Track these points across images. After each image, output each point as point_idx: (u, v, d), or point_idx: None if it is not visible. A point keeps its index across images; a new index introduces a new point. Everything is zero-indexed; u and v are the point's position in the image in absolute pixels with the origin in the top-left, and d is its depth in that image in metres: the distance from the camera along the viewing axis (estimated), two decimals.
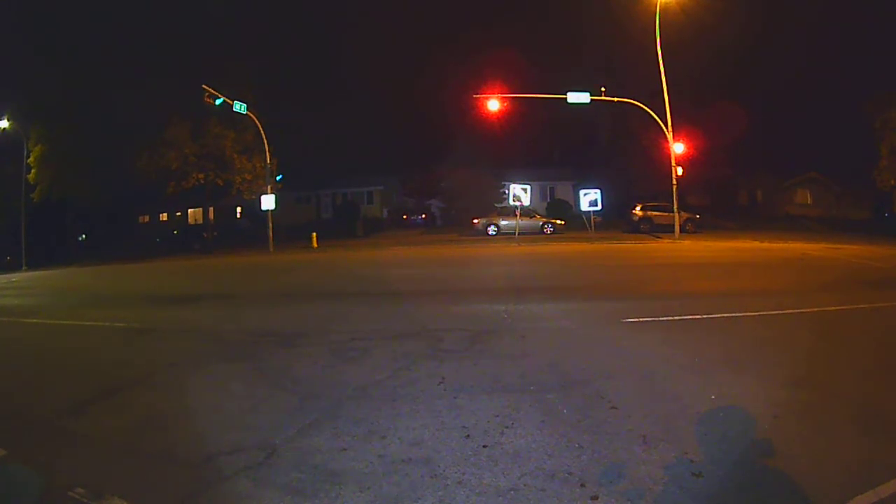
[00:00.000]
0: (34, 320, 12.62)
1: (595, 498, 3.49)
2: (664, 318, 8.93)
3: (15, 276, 30.20)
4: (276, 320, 10.60)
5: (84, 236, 53.76)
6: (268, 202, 34.07)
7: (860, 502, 3.43)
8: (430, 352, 7.25)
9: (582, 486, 3.65)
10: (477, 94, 31.41)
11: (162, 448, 4.74)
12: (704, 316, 9.07)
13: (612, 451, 4.14)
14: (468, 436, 4.51)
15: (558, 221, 34.99)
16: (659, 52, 28.83)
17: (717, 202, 48.98)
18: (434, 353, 7.20)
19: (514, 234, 30.85)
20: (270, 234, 33.81)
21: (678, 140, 29.78)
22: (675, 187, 28.82)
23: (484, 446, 4.31)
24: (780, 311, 9.41)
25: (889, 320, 9.01)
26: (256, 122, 33.85)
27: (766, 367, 6.19)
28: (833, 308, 9.73)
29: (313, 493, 3.71)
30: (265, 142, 34.51)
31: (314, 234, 34.76)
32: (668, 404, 5.07)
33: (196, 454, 4.47)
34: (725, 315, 9.13)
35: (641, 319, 8.86)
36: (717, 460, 3.94)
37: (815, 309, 9.61)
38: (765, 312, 9.31)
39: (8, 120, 38.18)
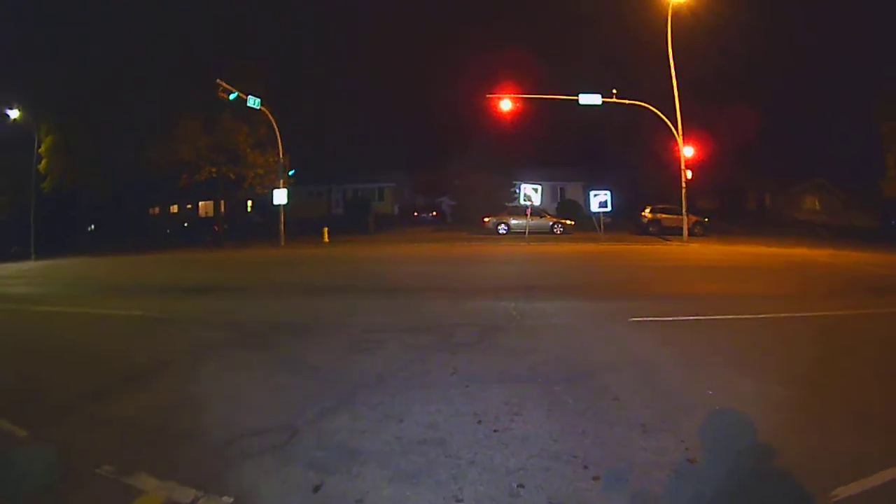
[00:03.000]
0: (51, 308, 12.85)
1: (596, 478, 3.76)
2: (668, 318, 9.18)
3: (26, 266, 30.48)
4: (292, 312, 10.88)
5: (93, 227, 54.03)
6: (280, 197, 34.38)
7: (846, 492, 3.62)
8: (442, 345, 7.53)
9: (585, 467, 3.92)
10: (489, 94, 31.78)
11: (187, 430, 4.93)
12: (708, 317, 9.30)
13: (613, 438, 4.42)
14: (480, 421, 4.80)
15: (568, 222, 35.12)
16: (670, 56, 29.09)
17: (726, 206, 48.96)
18: (446, 346, 7.48)
19: (524, 233, 31.08)
20: (282, 228, 34.10)
21: (688, 143, 29.97)
22: (683, 190, 29.08)
23: (494, 431, 4.59)
24: (783, 315, 9.62)
25: (889, 326, 9.16)
26: (270, 116, 34.17)
27: (764, 367, 6.42)
28: (835, 313, 9.93)
29: (335, 469, 3.99)
30: (278, 137, 34.82)
31: (325, 228, 35.00)
32: (667, 397, 5.34)
33: (221, 435, 4.71)
34: (728, 317, 9.35)
35: (647, 319, 9.11)
36: (710, 449, 4.20)
37: (818, 313, 9.83)
38: (767, 315, 9.52)
39: (19, 111, 38.49)
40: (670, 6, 28.40)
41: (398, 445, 4.35)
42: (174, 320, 10.52)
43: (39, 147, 39.65)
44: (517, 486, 3.67)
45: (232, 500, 3.63)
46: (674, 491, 3.61)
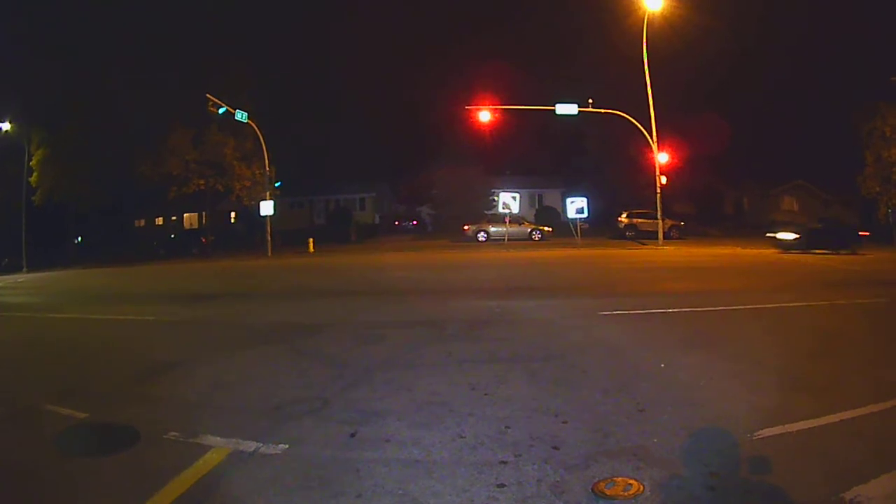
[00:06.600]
0: (68, 315, 13.62)
1: (565, 422, 4.88)
2: (634, 312, 10.39)
3: (21, 277, 30.92)
4: (296, 314, 11.91)
5: (80, 239, 54.27)
6: (266, 208, 35.36)
7: (768, 433, 4.55)
8: (436, 336, 8.66)
9: (556, 415, 5.05)
10: (469, 105, 32.75)
11: (233, 403, 5.93)
12: (670, 310, 10.46)
13: (579, 398, 5.55)
14: (473, 388, 5.91)
15: (546, 228, 36.14)
16: (645, 64, 30.15)
17: (703, 210, 50.21)
18: (439, 337, 8.61)
19: (504, 240, 32.11)
20: (269, 238, 35.00)
21: (664, 149, 31.10)
22: (658, 195, 30.11)
23: (485, 394, 5.71)
24: (739, 307, 10.71)
25: (840, 315, 10.21)
26: (257, 130, 35.10)
27: (712, 347, 7.56)
28: (789, 304, 11.09)
29: (365, 422, 5.07)
30: (264, 149, 35.77)
31: (311, 239, 35.85)
32: (625, 370, 6.51)
33: (265, 405, 5.70)
34: (688, 309, 10.48)
35: (614, 312, 10.27)
36: (657, 403, 5.32)
37: (772, 305, 10.98)
38: (724, 307, 10.64)
39: (10, 123, 38.87)
40: (646, 16, 29.42)
41: (411, 406, 5.45)
42: (188, 323, 11.47)
43: (30, 160, 40.15)
44: (505, 427, 4.79)
45: (287, 446, 4.62)
46: (624, 429, 4.72)
